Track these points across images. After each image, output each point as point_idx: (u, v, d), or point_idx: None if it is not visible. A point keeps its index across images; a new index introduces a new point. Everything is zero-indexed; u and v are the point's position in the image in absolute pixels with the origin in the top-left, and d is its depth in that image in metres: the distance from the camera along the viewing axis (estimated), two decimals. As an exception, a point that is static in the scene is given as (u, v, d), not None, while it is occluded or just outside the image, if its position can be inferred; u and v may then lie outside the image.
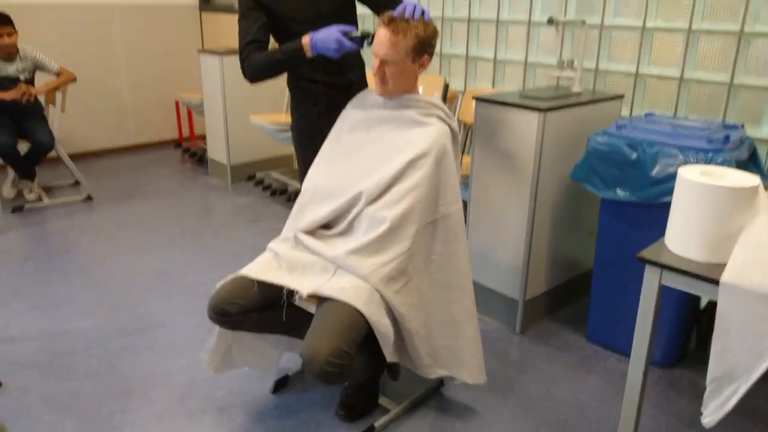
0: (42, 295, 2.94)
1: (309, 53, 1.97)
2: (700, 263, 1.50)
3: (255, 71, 2.11)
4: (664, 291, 1.56)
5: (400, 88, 1.91)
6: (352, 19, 2.20)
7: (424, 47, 1.86)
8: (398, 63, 1.84)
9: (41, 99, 4.11)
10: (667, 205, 1.61)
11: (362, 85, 2.31)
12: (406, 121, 1.92)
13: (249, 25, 2.10)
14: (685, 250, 1.53)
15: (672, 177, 2.06)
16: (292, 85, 2.34)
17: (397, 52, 1.82)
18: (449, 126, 1.94)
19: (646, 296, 1.58)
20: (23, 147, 3.97)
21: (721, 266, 1.44)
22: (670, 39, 2.67)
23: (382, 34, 1.82)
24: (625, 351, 2.41)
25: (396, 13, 1.84)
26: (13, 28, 3.85)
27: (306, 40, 1.95)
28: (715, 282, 1.41)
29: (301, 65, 2.05)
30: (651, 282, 1.55)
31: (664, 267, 1.52)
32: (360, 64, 2.35)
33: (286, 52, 2.02)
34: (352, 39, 1.92)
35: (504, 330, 2.67)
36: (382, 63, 1.85)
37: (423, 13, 1.85)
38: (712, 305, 1.55)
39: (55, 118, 4.09)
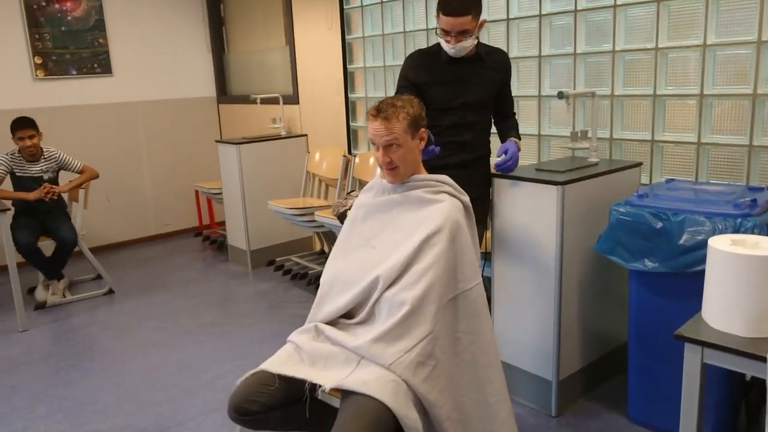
0: (64, 396, 2.89)
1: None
2: (743, 338, 1.42)
3: None
4: (707, 368, 1.47)
5: (408, 169, 1.94)
6: (490, 111, 2.56)
7: (417, 123, 1.91)
8: (401, 144, 1.87)
9: (65, 197, 4.20)
10: (699, 274, 1.55)
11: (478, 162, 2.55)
12: (416, 201, 1.92)
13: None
14: (725, 324, 1.46)
15: (701, 245, 2.00)
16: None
17: (397, 134, 1.86)
18: (461, 200, 1.93)
19: (688, 376, 1.49)
20: (48, 244, 4.03)
21: (766, 340, 1.36)
22: (683, 105, 2.67)
23: (376, 125, 1.86)
24: (671, 430, 2.27)
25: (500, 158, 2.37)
26: (36, 130, 3.99)
27: None
28: (762, 359, 1.33)
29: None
30: (693, 361, 1.47)
31: (705, 344, 1.44)
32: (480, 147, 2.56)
33: None
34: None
35: (539, 413, 2.54)
36: (386, 150, 1.87)
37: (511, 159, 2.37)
38: (759, 378, 1.46)
39: (77, 214, 4.17)
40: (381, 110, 1.87)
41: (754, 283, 1.41)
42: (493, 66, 2.47)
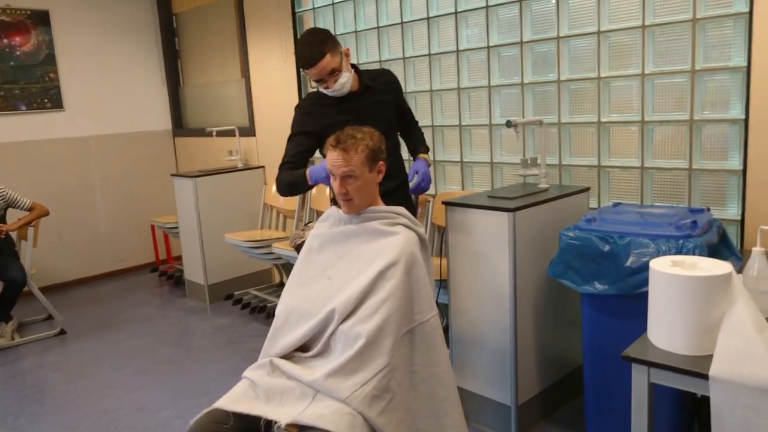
0: (9, 444, 2.77)
1: (309, 182, 2.24)
2: (687, 357, 1.46)
3: (279, 187, 2.39)
4: (655, 387, 1.51)
5: (365, 201, 1.95)
6: (393, 143, 2.46)
7: (376, 155, 1.93)
8: (358, 176, 1.88)
9: (13, 235, 4.07)
10: (646, 295, 1.59)
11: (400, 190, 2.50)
12: (372, 233, 1.93)
13: (291, 148, 2.41)
14: (669, 344, 1.50)
15: (646, 266, 2.05)
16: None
17: (355, 166, 1.87)
18: (416, 233, 1.94)
19: (637, 396, 1.53)
20: (-6, 285, 3.89)
21: (708, 358, 1.40)
22: (626, 131, 2.77)
23: (335, 155, 1.88)
24: (627, 450, 2.30)
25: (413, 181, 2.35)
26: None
27: (306, 171, 2.24)
28: (705, 377, 1.37)
29: (308, 189, 2.34)
30: (640, 381, 1.51)
31: (651, 365, 1.48)
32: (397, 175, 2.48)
33: (297, 176, 2.29)
34: None
35: (499, 438, 2.55)
36: (343, 180, 1.88)
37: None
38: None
39: (27, 253, 4.04)
40: (340, 141, 1.88)
41: (694, 302, 1.45)
42: (381, 89, 2.45)
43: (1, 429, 2.91)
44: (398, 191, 2.46)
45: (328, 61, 2.22)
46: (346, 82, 2.30)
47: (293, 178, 2.30)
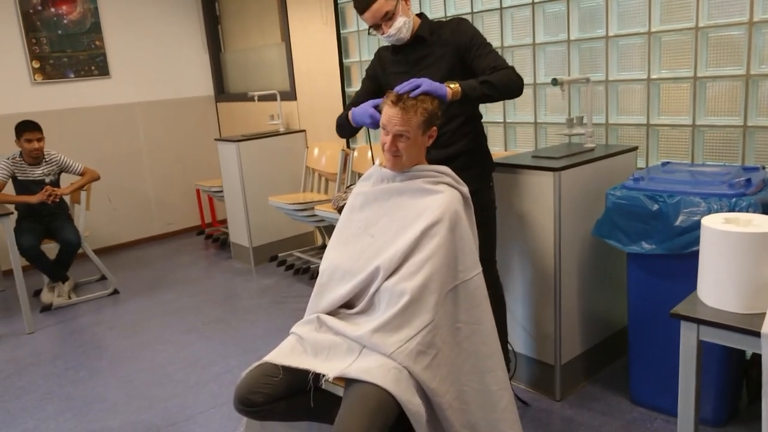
0: (72, 395, 2.92)
1: (352, 124, 2.19)
2: (738, 314, 1.44)
3: (337, 127, 2.35)
4: (704, 346, 1.49)
5: (412, 160, 1.94)
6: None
7: (432, 120, 1.90)
8: (411, 137, 1.87)
9: (67, 199, 4.23)
10: (696, 255, 1.57)
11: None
12: (415, 191, 1.93)
13: (360, 90, 2.43)
14: (720, 302, 1.48)
15: (697, 225, 2.02)
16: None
17: (410, 127, 1.86)
18: (460, 192, 1.94)
19: (685, 354, 1.51)
20: (51, 247, 4.06)
21: (761, 316, 1.38)
22: (677, 88, 2.68)
23: (393, 112, 1.86)
24: (672, 411, 2.28)
25: (401, 90, 1.89)
26: (42, 134, 4.02)
27: (349, 113, 2.18)
28: (756, 334, 1.35)
29: (354, 131, 2.27)
30: (689, 339, 1.49)
31: (700, 322, 1.46)
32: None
33: (342, 117, 2.26)
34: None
35: (542, 398, 2.57)
36: (395, 138, 1.88)
37: (419, 88, 1.88)
38: (759, 355, 1.48)
39: (80, 216, 4.20)
40: (402, 99, 1.86)
41: (746, 259, 1.42)
42: (437, 42, 2.23)
43: (64, 381, 3.08)
44: (456, 159, 2.21)
45: (382, 3, 2.12)
46: (402, 27, 2.17)
47: (341, 119, 2.28)
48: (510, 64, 2.18)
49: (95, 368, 3.20)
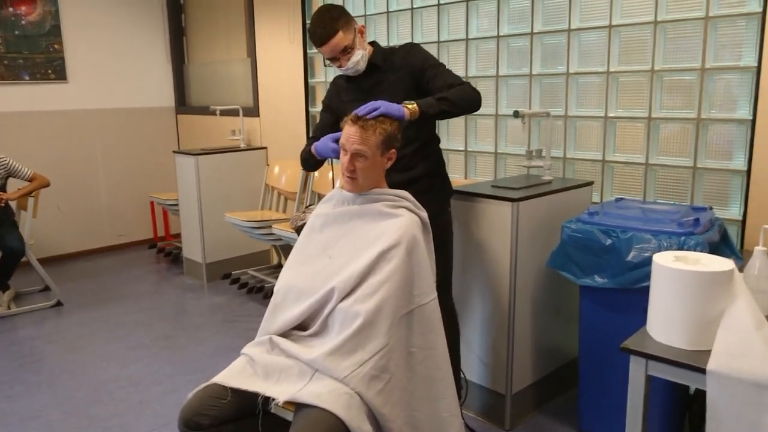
0: (6, 411, 2.78)
1: (317, 158, 2.21)
2: (685, 351, 1.47)
3: (302, 161, 2.36)
4: (651, 380, 1.52)
5: (369, 182, 1.94)
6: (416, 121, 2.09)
7: (391, 141, 1.92)
8: (369, 157, 1.88)
9: (12, 205, 4.07)
10: (646, 290, 1.60)
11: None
12: (374, 214, 1.93)
13: (318, 123, 2.43)
14: (668, 338, 1.51)
15: (648, 261, 2.07)
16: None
17: (369, 146, 1.87)
18: (419, 216, 1.95)
19: (633, 387, 1.54)
20: (-8, 254, 3.90)
21: (707, 353, 1.41)
22: (632, 127, 2.77)
23: (352, 131, 1.87)
24: (618, 443, 2.32)
25: (360, 113, 1.90)
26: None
27: (312, 147, 2.19)
28: (702, 371, 1.38)
29: (319, 163, 2.29)
30: (638, 373, 1.52)
31: (649, 357, 1.48)
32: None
33: (306, 152, 2.28)
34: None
35: (492, 427, 2.57)
36: (353, 157, 1.88)
37: (376, 110, 1.89)
38: (702, 391, 1.52)
39: (26, 223, 4.04)
40: (360, 117, 1.88)
41: (694, 297, 1.46)
42: (390, 68, 2.26)
43: (-4, 396, 2.93)
44: (415, 183, 2.21)
45: (341, 38, 2.14)
46: (359, 60, 2.21)
47: (305, 154, 2.29)
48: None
49: (32, 383, 3.05)
